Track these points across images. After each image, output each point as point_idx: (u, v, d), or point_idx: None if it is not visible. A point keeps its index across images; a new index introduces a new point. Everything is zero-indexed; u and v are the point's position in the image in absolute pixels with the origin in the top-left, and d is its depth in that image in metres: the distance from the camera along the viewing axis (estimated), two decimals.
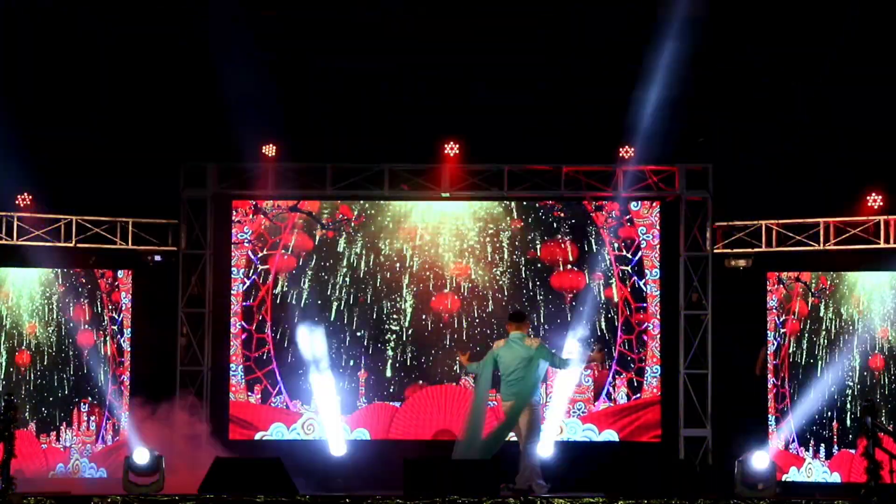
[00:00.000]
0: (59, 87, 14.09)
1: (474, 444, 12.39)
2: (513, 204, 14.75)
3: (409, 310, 14.69)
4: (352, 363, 14.62)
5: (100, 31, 13.90)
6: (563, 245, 14.68)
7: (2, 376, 13.79)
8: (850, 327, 13.93)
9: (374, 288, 14.68)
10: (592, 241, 14.73)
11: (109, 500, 11.92)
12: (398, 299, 14.69)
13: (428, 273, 14.71)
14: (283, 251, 14.68)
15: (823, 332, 14.03)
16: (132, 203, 14.33)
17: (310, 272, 14.69)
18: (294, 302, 14.64)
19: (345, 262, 14.71)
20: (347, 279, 14.70)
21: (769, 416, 14.12)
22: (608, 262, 14.69)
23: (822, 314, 14.05)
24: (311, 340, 14.44)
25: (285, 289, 14.65)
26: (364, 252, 14.73)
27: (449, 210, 14.78)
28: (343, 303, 14.67)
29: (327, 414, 14.39)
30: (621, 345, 14.61)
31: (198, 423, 14.28)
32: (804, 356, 14.04)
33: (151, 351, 14.23)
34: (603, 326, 14.62)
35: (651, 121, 14.24)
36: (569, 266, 14.66)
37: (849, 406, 13.80)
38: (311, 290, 14.65)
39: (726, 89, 14.32)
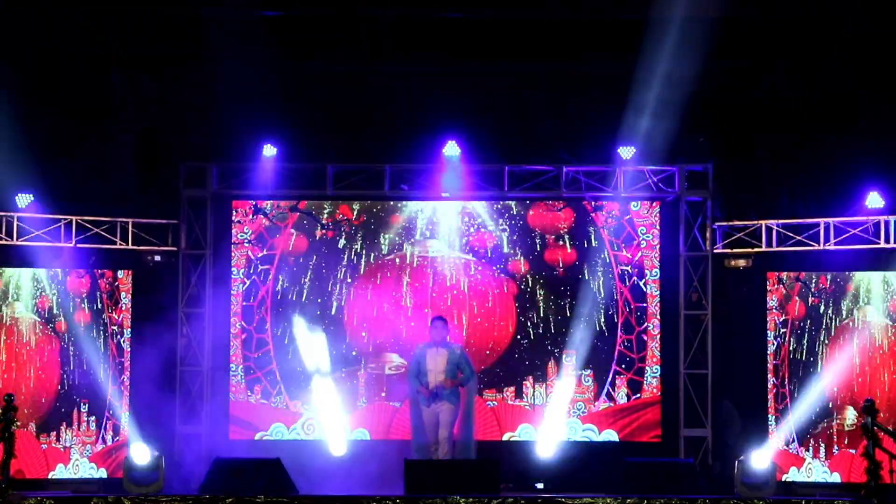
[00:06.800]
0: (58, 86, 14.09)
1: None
2: (513, 204, 14.75)
3: (409, 310, 14.69)
4: (351, 364, 14.62)
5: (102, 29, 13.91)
6: (564, 246, 14.70)
7: (2, 376, 13.79)
8: (850, 327, 13.93)
9: (374, 288, 14.68)
10: (592, 241, 14.73)
11: (110, 499, 11.94)
12: (398, 299, 14.68)
13: (428, 272, 14.72)
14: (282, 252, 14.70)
15: (823, 332, 14.03)
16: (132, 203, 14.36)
17: (310, 272, 14.69)
18: (294, 300, 14.64)
19: (345, 262, 14.71)
20: (347, 279, 14.69)
21: (769, 416, 14.12)
22: (608, 262, 14.69)
23: (822, 314, 14.05)
24: (311, 346, 14.44)
25: (284, 293, 14.65)
26: (364, 252, 14.73)
27: (449, 210, 14.78)
28: (343, 303, 14.67)
29: (328, 416, 14.37)
30: (621, 345, 14.62)
31: (198, 423, 14.30)
32: (804, 356, 14.04)
33: (151, 351, 14.20)
34: (603, 326, 14.63)
35: (651, 121, 14.26)
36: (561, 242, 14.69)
37: (849, 406, 13.81)
38: (310, 290, 14.65)
39: (726, 88, 14.33)
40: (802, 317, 14.11)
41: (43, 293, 14.00)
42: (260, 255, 14.73)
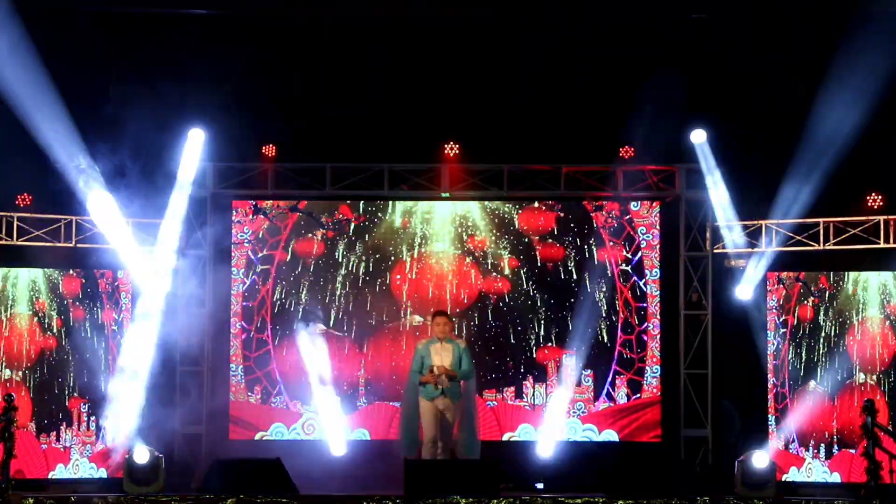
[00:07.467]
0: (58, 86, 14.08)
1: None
2: (511, 205, 14.74)
3: (408, 311, 14.68)
4: (351, 364, 14.62)
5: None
6: (564, 246, 14.70)
7: (2, 376, 13.79)
8: (850, 327, 13.93)
9: (374, 289, 14.67)
10: (592, 241, 14.73)
11: (110, 499, 11.94)
12: (398, 300, 14.68)
13: (428, 276, 14.72)
14: (283, 252, 14.70)
15: (823, 332, 14.03)
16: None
17: (310, 272, 14.69)
18: (293, 305, 14.63)
19: (344, 264, 14.70)
20: (347, 281, 14.69)
21: (769, 416, 14.12)
22: (608, 262, 14.69)
23: (821, 314, 14.05)
24: (312, 352, 14.45)
25: (284, 294, 14.64)
26: (364, 253, 14.72)
27: (449, 211, 14.77)
28: (342, 305, 14.66)
29: (328, 418, 14.37)
30: (621, 345, 14.61)
31: (198, 423, 14.30)
32: (804, 356, 14.03)
33: (151, 351, 14.17)
34: (602, 326, 14.62)
35: (651, 120, 14.25)
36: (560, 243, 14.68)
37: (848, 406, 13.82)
38: (311, 291, 14.65)
39: (726, 89, 14.34)
40: (803, 317, 14.10)
41: (42, 293, 13.99)
42: (260, 255, 14.73)
